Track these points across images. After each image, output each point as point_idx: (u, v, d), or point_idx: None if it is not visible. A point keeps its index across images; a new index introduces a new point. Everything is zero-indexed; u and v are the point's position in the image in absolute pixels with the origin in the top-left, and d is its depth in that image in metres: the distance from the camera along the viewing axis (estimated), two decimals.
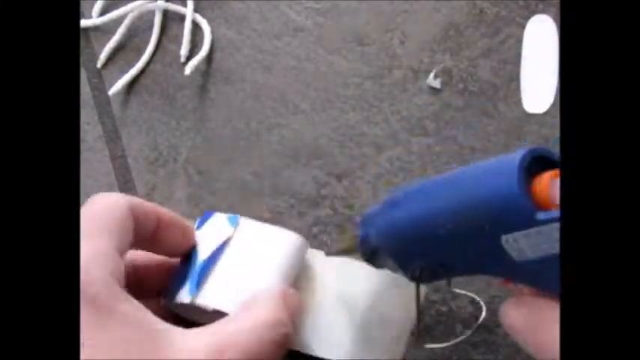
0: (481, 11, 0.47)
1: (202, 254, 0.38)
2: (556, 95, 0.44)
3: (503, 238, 0.29)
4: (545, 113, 0.44)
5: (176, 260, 0.40)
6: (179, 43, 0.51)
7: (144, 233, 0.36)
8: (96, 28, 0.52)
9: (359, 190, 0.45)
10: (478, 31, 0.47)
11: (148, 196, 0.47)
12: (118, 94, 0.50)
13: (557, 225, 0.27)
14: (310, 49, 0.49)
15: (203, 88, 0.50)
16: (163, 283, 0.39)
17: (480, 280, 0.40)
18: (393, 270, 0.36)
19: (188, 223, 0.40)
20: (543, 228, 0.28)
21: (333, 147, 0.46)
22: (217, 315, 0.35)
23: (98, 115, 0.50)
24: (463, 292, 0.39)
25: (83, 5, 0.53)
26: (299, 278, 0.40)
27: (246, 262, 0.38)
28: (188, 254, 0.39)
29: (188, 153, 0.48)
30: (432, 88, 0.46)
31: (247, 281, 0.37)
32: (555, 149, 0.30)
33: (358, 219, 0.37)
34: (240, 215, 0.40)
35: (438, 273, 0.34)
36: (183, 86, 0.50)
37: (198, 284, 0.37)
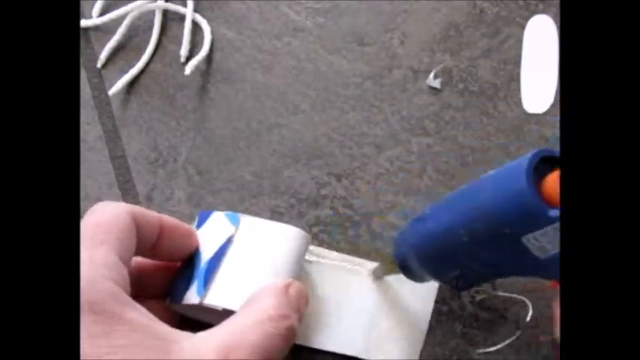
0: (481, 11, 0.47)
1: (206, 254, 0.38)
2: (556, 95, 0.44)
3: (524, 238, 0.30)
4: (545, 113, 0.44)
5: (177, 262, 0.40)
6: (179, 43, 0.51)
7: (146, 241, 0.36)
8: (96, 28, 0.52)
9: (359, 190, 0.45)
10: (478, 31, 0.47)
11: (148, 196, 0.47)
12: (118, 94, 0.50)
13: None
14: (310, 49, 0.49)
15: (203, 88, 0.50)
16: (165, 285, 0.39)
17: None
18: (432, 281, 0.37)
19: (188, 225, 0.40)
20: (559, 224, 0.29)
21: (333, 147, 0.46)
22: (225, 314, 0.35)
23: (98, 115, 0.50)
24: (507, 294, 0.39)
25: (83, 5, 0.53)
26: (304, 273, 0.40)
27: (250, 259, 0.38)
28: (190, 255, 0.39)
29: (188, 153, 0.48)
30: (432, 88, 0.46)
31: (254, 278, 0.37)
32: (557, 148, 0.30)
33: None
34: (240, 213, 0.40)
35: (473, 279, 0.35)
36: (183, 86, 0.50)
37: (205, 284, 0.37)
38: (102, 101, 0.51)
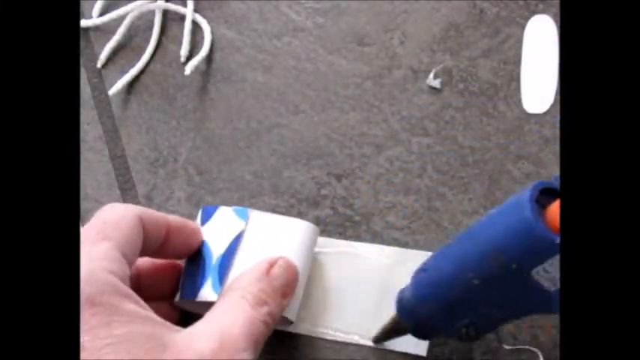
0: (481, 11, 0.47)
1: (216, 250, 0.39)
2: (556, 95, 0.44)
3: (534, 272, 0.30)
4: (545, 113, 0.44)
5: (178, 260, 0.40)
6: (179, 43, 0.51)
7: (153, 242, 0.37)
8: (96, 28, 0.52)
9: (359, 190, 0.45)
10: (478, 31, 0.47)
11: (148, 196, 0.47)
12: (118, 94, 0.50)
13: None
14: (310, 49, 0.49)
15: (203, 88, 0.50)
16: (164, 286, 0.39)
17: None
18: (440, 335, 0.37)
19: (193, 223, 0.40)
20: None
21: (333, 147, 0.46)
22: None
23: (98, 115, 0.50)
24: (515, 347, 0.38)
25: (83, 5, 0.53)
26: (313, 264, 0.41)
27: (263, 253, 0.38)
28: (197, 252, 0.39)
29: (188, 153, 0.48)
30: (432, 88, 0.46)
31: None
32: (557, 183, 0.31)
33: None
34: (248, 208, 0.40)
35: (482, 327, 0.34)
36: (183, 86, 0.50)
37: (221, 280, 0.37)
38: (102, 101, 0.51)
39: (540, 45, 0.46)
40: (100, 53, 0.51)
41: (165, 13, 0.52)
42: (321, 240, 0.42)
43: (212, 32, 0.50)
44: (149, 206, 0.46)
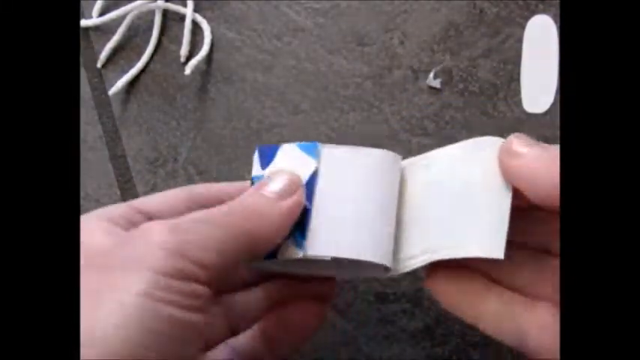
0: (481, 11, 0.47)
1: None
2: (556, 95, 0.44)
3: None
4: (545, 113, 0.44)
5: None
6: (179, 43, 0.51)
7: None
8: (96, 28, 0.52)
9: None
10: (478, 31, 0.47)
11: None
12: (118, 94, 0.50)
13: None
14: (310, 49, 0.49)
15: (203, 88, 0.50)
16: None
17: None
18: None
19: (237, 183, 0.39)
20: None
21: None
22: (332, 264, 0.32)
23: (98, 115, 0.50)
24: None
25: (83, 5, 0.53)
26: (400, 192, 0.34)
27: (345, 195, 0.32)
28: None
29: (188, 153, 0.48)
30: (432, 88, 0.46)
31: (355, 216, 0.32)
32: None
33: None
34: (318, 142, 0.34)
35: None
36: (183, 86, 0.50)
37: (303, 233, 0.32)
38: (102, 101, 0.51)
39: (540, 45, 0.46)
40: (100, 53, 0.51)
41: (166, 13, 0.52)
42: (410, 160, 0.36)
43: (212, 32, 0.50)
44: None
